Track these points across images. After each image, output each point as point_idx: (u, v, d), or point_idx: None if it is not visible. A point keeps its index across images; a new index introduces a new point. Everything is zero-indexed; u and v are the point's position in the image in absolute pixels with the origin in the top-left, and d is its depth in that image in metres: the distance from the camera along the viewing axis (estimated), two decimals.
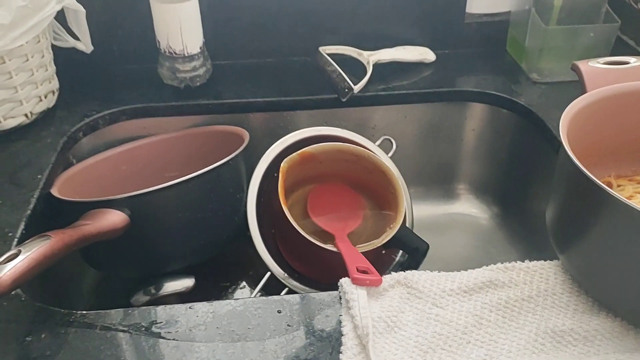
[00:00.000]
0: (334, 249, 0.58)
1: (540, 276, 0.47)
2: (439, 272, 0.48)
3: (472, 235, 0.80)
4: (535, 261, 0.48)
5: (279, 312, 0.46)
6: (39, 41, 0.66)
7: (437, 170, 0.83)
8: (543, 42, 0.76)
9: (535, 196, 0.75)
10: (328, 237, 0.62)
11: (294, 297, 0.47)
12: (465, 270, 0.48)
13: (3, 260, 0.42)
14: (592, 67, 0.56)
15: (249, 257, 0.67)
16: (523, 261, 0.49)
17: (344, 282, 0.47)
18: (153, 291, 0.61)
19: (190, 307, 0.46)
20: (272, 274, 0.61)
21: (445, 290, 0.46)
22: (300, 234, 0.59)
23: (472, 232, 0.80)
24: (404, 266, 0.67)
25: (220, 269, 0.68)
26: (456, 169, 0.83)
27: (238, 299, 0.49)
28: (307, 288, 0.62)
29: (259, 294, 0.60)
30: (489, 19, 0.84)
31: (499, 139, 0.78)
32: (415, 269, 0.54)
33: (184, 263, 0.61)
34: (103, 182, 0.69)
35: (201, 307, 0.46)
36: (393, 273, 0.48)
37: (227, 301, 0.46)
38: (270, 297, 0.47)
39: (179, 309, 0.46)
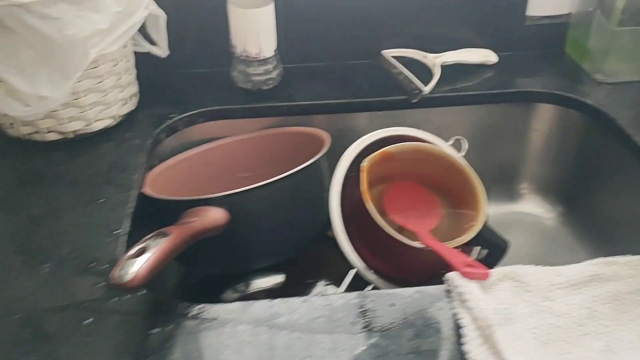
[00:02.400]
0: (422, 246, 0.60)
1: None
2: (543, 266, 0.49)
3: (537, 234, 0.81)
4: (636, 256, 0.49)
5: (392, 305, 0.47)
6: (126, 46, 0.68)
7: (500, 169, 0.84)
8: (609, 43, 0.77)
9: (603, 194, 0.76)
10: (406, 235, 0.63)
11: (404, 291, 0.48)
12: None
13: (133, 254, 0.44)
14: None
15: (326, 255, 0.69)
16: (592, 259, 0.50)
17: (453, 275, 0.48)
18: (243, 288, 0.62)
19: (305, 300, 0.47)
20: (356, 271, 0.63)
21: (553, 283, 0.47)
22: (384, 230, 0.61)
23: (537, 231, 0.81)
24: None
25: (300, 266, 0.70)
26: (520, 169, 0.84)
27: (346, 292, 0.50)
28: (389, 284, 0.64)
29: (344, 290, 0.62)
30: (548, 21, 0.85)
31: (566, 139, 0.79)
32: (494, 266, 0.56)
33: (273, 261, 0.63)
34: (182, 182, 0.71)
35: (316, 300, 0.47)
36: (499, 267, 0.49)
37: (341, 294, 0.48)
38: (381, 291, 0.49)
39: (295, 301, 0.47)
